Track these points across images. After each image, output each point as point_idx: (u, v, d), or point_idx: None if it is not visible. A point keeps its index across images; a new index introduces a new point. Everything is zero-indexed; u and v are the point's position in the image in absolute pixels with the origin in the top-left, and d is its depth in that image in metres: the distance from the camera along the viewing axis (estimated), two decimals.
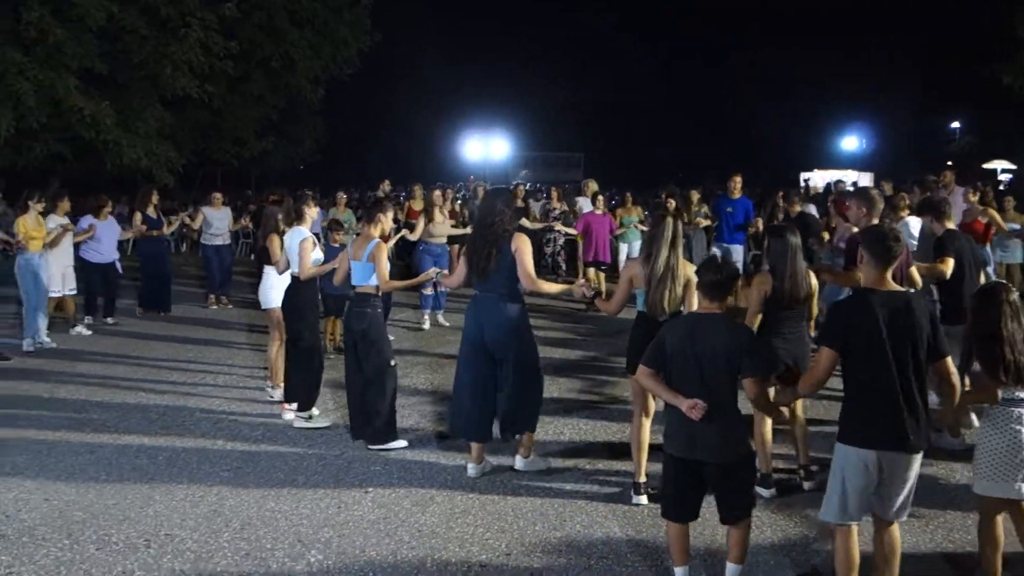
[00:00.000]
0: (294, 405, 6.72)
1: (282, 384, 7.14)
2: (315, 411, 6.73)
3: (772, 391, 4.49)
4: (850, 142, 45.70)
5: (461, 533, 4.76)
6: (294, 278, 6.66)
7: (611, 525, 4.88)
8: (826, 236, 10.36)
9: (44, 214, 9.47)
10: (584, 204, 13.60)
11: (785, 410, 4.88)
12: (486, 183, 13.70)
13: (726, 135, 46.23)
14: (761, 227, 11.57)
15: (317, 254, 6.73)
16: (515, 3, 50.52)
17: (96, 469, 5.69)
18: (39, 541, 4.60)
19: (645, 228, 12.83)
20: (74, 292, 10.02)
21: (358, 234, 7.48)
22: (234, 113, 21.75)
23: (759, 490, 5.09)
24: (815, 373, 3.88)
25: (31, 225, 9.16)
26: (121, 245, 11.48)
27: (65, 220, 9.83)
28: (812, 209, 12.40)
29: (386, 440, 6.05)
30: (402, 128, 43.50)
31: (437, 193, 11.41)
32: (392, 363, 6.14)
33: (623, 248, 13.03)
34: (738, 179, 11.68)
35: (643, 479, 5.21)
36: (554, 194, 15.62)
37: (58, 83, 15.71)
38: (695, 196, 13.32)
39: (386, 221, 6.39)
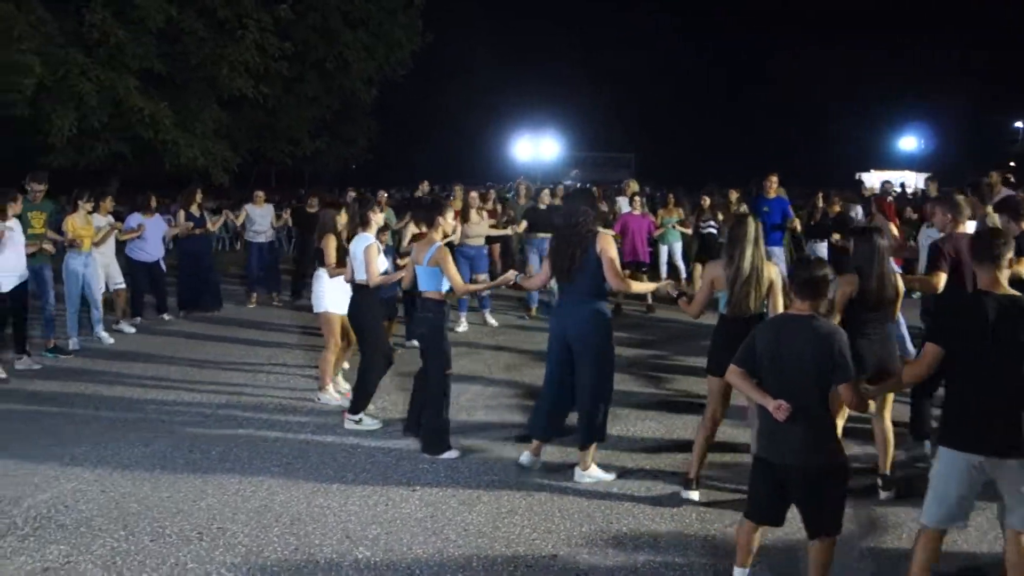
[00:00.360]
0: (357, 416, 6.65)
1: (330, 388, 7.27)
2: (363, 416, 6.65)
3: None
4: (908, 142, 44.73)
5: (507, 533, 4.76)
6: (362, 285, 6.59)
7: (659, 527, 4.84)
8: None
9: (92, 212, 9.53)
10: (624, 205, 13.52)
11: (872, 407, 4.88)
12: (529, 182, 13.60)
13: (781, 136, 45.62)
14: (799, 227, 11.46)
15: (383, 260, 6.69)
16: (566, 4, 50.43)
17: (151, 462, 5.81)
18: (96, 532, 4.71)
19: (685, 229, 12.73)
20: (121, 286, 10.12)
21: (395, 232, 7.56)
22: (288, 113, 22.02)
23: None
24: (919, 366, 3.87)
25: (80, 224, 9.21)
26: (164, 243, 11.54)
27: (110, 219, 9.91)
28: (858, 210, 12.19)
29: (437, 451, 5.96)
30: (453, 128, 43.73)
31: (473, 194, 11.43)
32: (447, 373, 6.06)
33: (663, 250, 12.92)
34: (774, 179, 11.53)
35: (693, 475, 5.26)
36: (597, 193, 15.55)
37: (119, 84, 16.13)
38: (734, 196, 13.18)
39: (446, 223, 6.27)
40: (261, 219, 12.37)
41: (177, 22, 17.10)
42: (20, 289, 8.09)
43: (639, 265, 11.96)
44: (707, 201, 12.25)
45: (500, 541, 4.66)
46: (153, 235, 10.67)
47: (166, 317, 10.91)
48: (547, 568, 4.39)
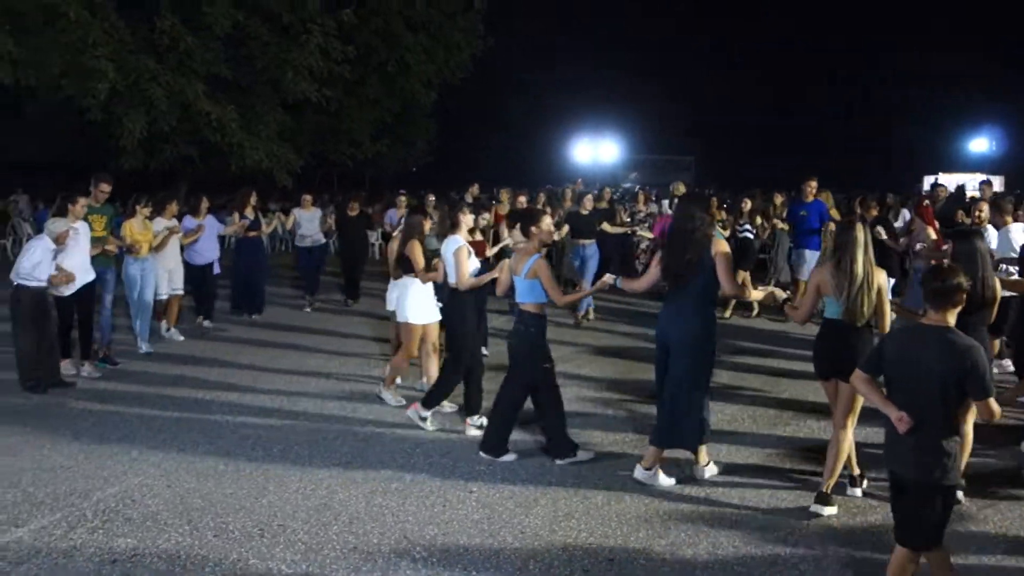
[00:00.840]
0: (476, 419, 6.57)
1: (393, 389, 7.30)
2: (429, 414, 6.60)
3: None
4: (979, 144, 43.36)
5: (564, 537, 4.75)
6: (453, 289, 6.55)
7: (717, 535, 4.78)
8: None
9: (152, 217, 9.45)
10: (667, 207, 13.26)
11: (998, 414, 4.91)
12: (583, 186, 13.47)
13: (847, 138, 44.71)
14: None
15: (474, 263, 6.62)
16: (626, 7, 50.11)
17: (215, 459, 5.93)
18: (161, 526, 4.83)
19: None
20: (179, 292, 9.99)
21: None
22: (350, 116, 22.26)
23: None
24: None
25: (137, 229, 9.10)
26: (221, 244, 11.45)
27: (173, 222, 9.80)
28: (905, 214, 11.96)
29: (568, 452, 5.87)
30: (512, 131, 43.75)
31: (522, 199, 11.38)
32: (556, 385, 6.00)
33: None
34: (813, 182, 11.40)
35: (855, 473, 5.39)
36: (640, 197, 15.44)
37: (187, 88, 16.52)
38: (778, 200, 12.96)
39: (543, 233, 5.94)
40: (309, 223, 12.40)
41: (243, 27, 17.45)
42: (86, 291, 8.09)
43: None
44: (747, 205, 11.99)
45: (557, 544, 4.65)
46: (207, 237, 10.57)
47: (207, 324, 10.72)
48: (604, 573, 4.36)
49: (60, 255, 7.60)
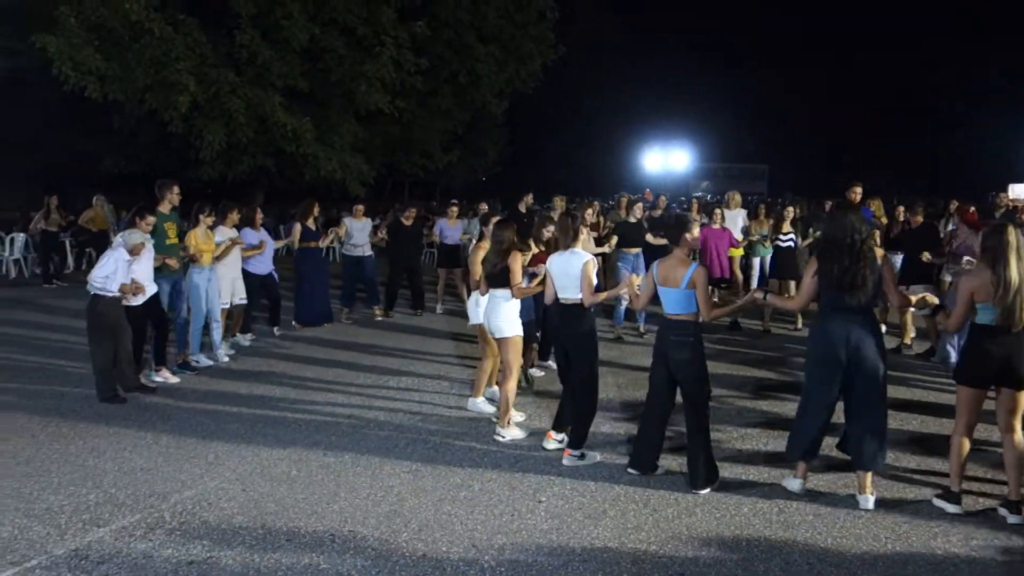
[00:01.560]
0: (561, 436, 6.37)
1: (480, 396, 7.28)
2: (582, 450, 6.17)
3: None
4: None
5: (634, 549, 4.69)
6: (578, 305, 6.15)
7: (791, 552, 4.66)
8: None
9: (213, 226, 9.50)
10: (727, 218, 12.67)
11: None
12: (629, 195, 13.19)
13: (922, 146, 43.45)
14: (877, 238, 10.89)
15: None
16: (698, 16, 49.68)
17: (288, 464, 6.03)
18: (236, 529, 4.92)
19: (755, 240, 12.25)
20: (244, 302, 9.98)
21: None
22: (422, 127, 22.48)
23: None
24: None
25: (201, 239, 9.13)
26: (277, 254, 11.42)
27: (234, 232, 9.83)
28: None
29: (704, 484, 5.57)
30: (582, 140, 43.70)
31: (589, 211, 11.27)
32: (710, 396, 5.78)
33: (755, 263, 12.46)
34: (858, 188, 11.22)
35: (956, 488, 5.23)
36: (694, 205, 15.21)
37: (265, 100, 16.94)
38: (827, 206, 12.64)
39: (693, 240, 5.76)
40: (359, 233, 12.34)
41: (319, 41, 17.81)
42: (153, 301, 8.17)
43: (719, 280, 11.56)
44: (791, 213, 11.69)
45: (626, 557, 4.59)
46: (265, 248, 10.52)
47: (276, 332, 10.86)
48: None
49: (131, 266, 7.78)
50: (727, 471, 5.87)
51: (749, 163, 49.51)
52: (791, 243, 11.24)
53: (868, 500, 5.28)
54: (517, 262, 6.65)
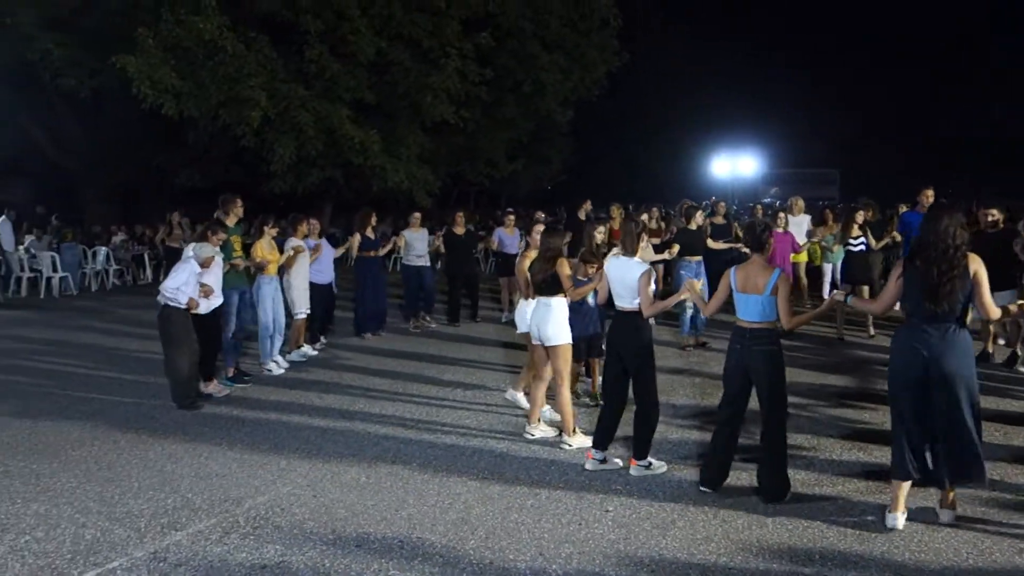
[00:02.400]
0: (602, 455, 6.21)
1: (539, 422, 6.95)
2: (649, 459, 6.09)
3: None
4: None
5: (703, 561, 4.63)
6: (634, 315, 6.02)
7: (867, 566, 4.53)
8: None
9: (282, 236, 9.64)
10: (791, 224, 12.52)
11: None
12: (690, 201, 12.99)
13: (999, 151, 41.95)
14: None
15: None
16: (764, 20, 48.92)
17: (357, 471, 6.12)
18: (307, 534, 5.01)
19: (825, 245, 11.96)
20: (307, 311, 10.20)
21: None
22: (487, 136, 22.55)
23: None
24: None
25: (266, 249, 9.33)
26: (337, 264, 11.47)
27: (301, 242, 9.96)
28: None
29: (776, 498, 5.47)
30: (648, 146, 43.34)
31: (645, 216, 11.17)
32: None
33: (827, 268, 12.14)
34: (929, 192, 10.82)
35: None
36: (757, 210, 14.95)
37: (333, 114, 17.24)
38: (902, 211, 12.31)
39: (768, 250, 5.66)
40: (418, 243, 12.42)
41: (385, 54, 18.07)
42: (214, 313, 8.30)
43: None
44: (860, 217, 11.37)
45: (695, 569, 4.53)
46: (325, 258, 10.74)
47: (323, 340, 10.93)
48: None
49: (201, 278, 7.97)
50: (800, 482, 5.76)
51: (820, 168, 48.54)
52: (863, 247, 10.96)
53: (948, 514, 5.09)
54: (565, 267, 6.64)
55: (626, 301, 6.04)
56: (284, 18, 17.17)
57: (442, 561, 4.64)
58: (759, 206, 16.28)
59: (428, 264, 12.62)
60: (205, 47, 15.86)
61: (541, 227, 7.31)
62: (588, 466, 6.14)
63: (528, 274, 7.07)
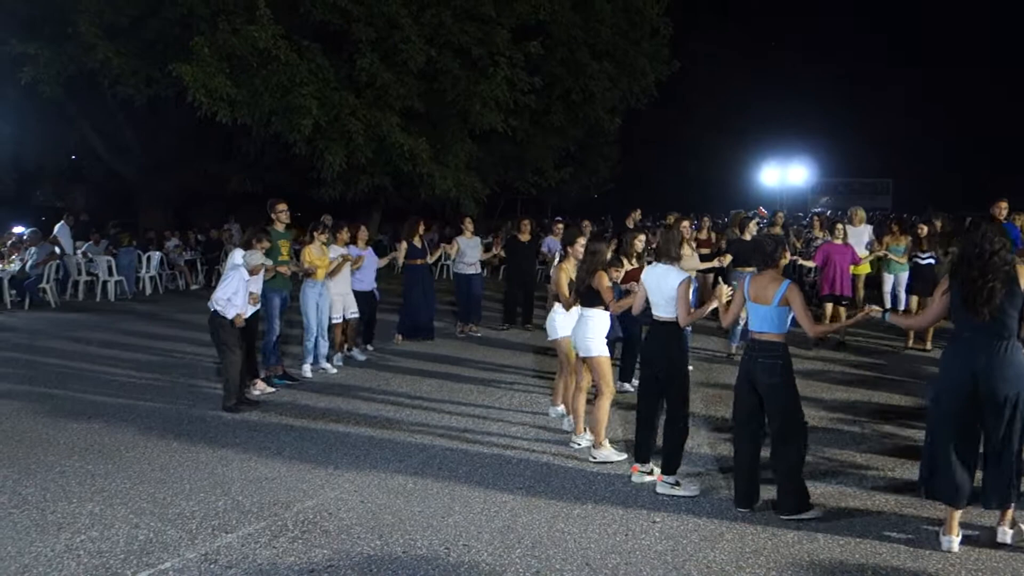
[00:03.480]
0: (649, 467, 6.09)
1: (585, 431, 6.86)
2: (675, 477, 5.92)
3: None
4: None
5: (751, 574, 4.56)
6: (671, 324, 5.91)
7: None
8: None
9: (327, 243, 9.71)
10: (851, 234, 12.18)
11: None
12: (744, 211, 12.81)
13: None
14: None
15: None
16: (815, 29, 48.30)
17: (404, 477, 6.15)
18: (355, 539, 5.04)
19: (899, 260, 11.72)
20: (356, 315, 10.33)
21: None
22: (535, 144, 22.57)
23: None
24: None
25: (316, 254, 9.47)
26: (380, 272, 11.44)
27: (344, 250, 10.07)
28: None
29: (796, 510, 5.33)
30: (697, 155, 43.09)
31: (685, 224, 11.06)
32: (805, 422, 5.43)
33: (888, 279, 11.90)
34: (1003, 204, 10.73)
35: None
36: (815, 222, 14.72)
37: (383, 122, 17.39)
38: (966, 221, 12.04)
39: (785, 259, 5.67)
40: (471, 251, 12.45)
41: (435, 63, 18.19)
42: (252, 318, 8.38)
43: (839, 298, 11.10)
44: (924, 230, 11.13)
45: None
46: (368, 265, 10.68)
47: (369, 348, 11.04)
48: None
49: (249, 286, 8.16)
50: (852, 497, 5.67)
51: (872, 177, 47.79)
52: (931, 260, 10.76)
53: (1007, 533, 4.93)
54: (603, 279, 6.57)
55: (663, 310, 5.94)
56: (336, 27, 17.37)
57: (488, 569, 4.63)
58: (817, 217, 15.98)
59: (479, 272, 12.66)
60: (259, 56, 16.12)
61: (582, 239, 7.24)
62: (635, 479, 6.07)
63: (565, 284, 7.10)
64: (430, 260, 12.19)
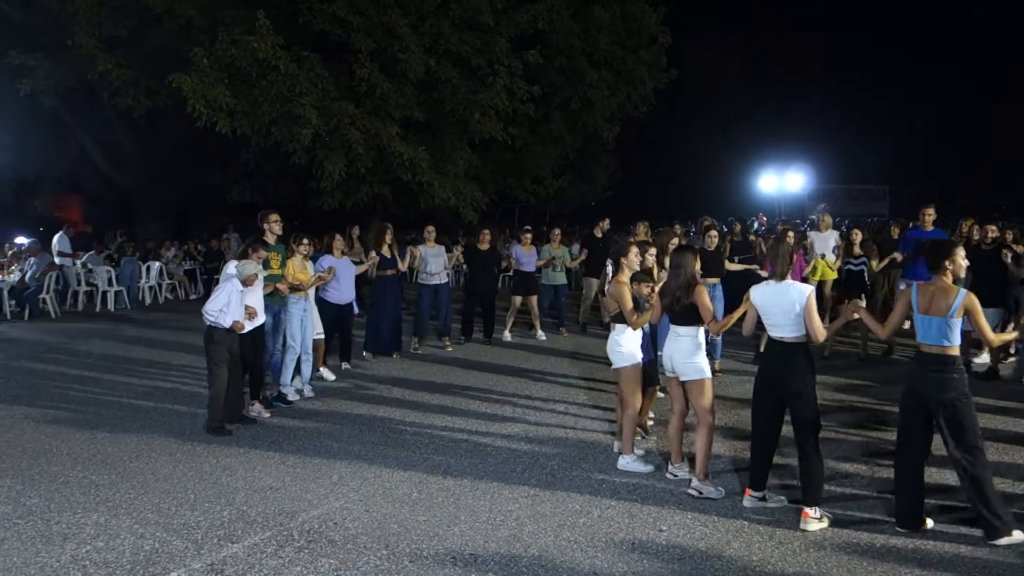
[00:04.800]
0: (762, 493, 5.76)
1: (683, 459, 6.38)
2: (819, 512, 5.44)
3: None
4: None
5: None
6: (796, 345, 5.48)
7: None
8: None
9: (317, 256, 9.47)
10: (817, 240, 12.26)
11: None
12: (712, 219, 12.64)
13: None
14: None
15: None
16: (811, 38, 48.43)
17: (409, 486, 6.14)
18: (361, 549, 5.03)
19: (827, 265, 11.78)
20: (320, 335, 9.77)
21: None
22: (533, 153, 22.59)
23: None
24: None
25: (298, 268, 8.92)
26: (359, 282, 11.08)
27: (343, 261, 9.77)
28: None
29: (999, 534, 4.99)
30: (695, 162, 43.15)
31: (679, 231, 11.02)
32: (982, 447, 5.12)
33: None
34: (930, 211, 10.84)
35: None
36: (789, 235, 14.64)
37: (383, 131, 17.41)
38: (896, 230, 12.13)
39: (958, 267, 5.25)
40: (434, 260, 11.90)
41: (434, 72, 18.22)
42: (258, 332, 8.14)
43: None
44: (858, 236, 11.23)
45: None
46: (345, 276, 10.08)
47: (346, 365, 10.51)
48: None
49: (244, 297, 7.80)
50: (859, 504, 5.67)
51: (869, 183, 47.85)
52: (863, 267, 10.87)
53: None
54: (704, 295, 6.05)
55: (787, 331, 5.50)
56: (336, 37, 17.41)
57: None
58: (784, 227, 15.87)
59: (445, 282, 12.12)
60: (258, 66, 16.14)
61: (635, 249, 6.76)
62: (746, 503, 5.70)
63: (628, 299, 6.47)
64: (403, 268, 11.53)
